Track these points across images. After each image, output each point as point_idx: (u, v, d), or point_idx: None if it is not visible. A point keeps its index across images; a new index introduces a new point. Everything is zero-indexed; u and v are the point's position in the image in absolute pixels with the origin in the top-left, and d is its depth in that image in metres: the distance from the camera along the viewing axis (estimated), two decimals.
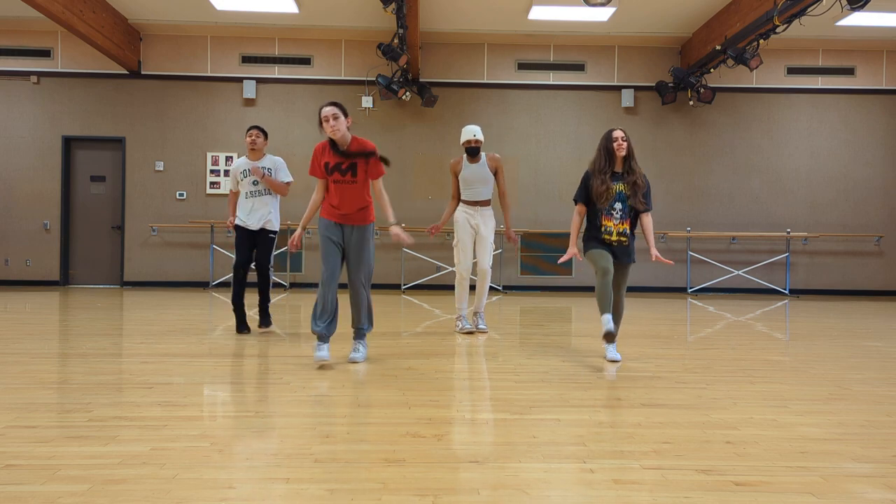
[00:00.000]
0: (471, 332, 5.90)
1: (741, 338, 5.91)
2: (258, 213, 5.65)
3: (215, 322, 6.52)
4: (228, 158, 10.51)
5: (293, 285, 10.50)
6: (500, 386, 3.87)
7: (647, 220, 4.67)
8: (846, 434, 2.94)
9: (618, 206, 4.53)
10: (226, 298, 8.90)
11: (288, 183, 5.78)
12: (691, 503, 2.15)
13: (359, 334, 4.56)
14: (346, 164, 4.26)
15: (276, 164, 5.76)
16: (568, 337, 5.94)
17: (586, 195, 4.62)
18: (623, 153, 4.53)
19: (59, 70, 10.43)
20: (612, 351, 4.56)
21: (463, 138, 5.83)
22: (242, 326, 5.67)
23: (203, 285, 10.40)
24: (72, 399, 3.37)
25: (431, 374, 4.14)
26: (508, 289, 10.62)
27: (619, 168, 4.59)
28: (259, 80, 10.59)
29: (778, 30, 8.06)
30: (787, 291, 10.60)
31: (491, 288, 10.34)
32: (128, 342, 5.25)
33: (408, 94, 10.11)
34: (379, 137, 10.66)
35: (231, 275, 5.70)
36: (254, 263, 5.71)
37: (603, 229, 4.56)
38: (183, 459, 2.48)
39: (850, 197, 10.90)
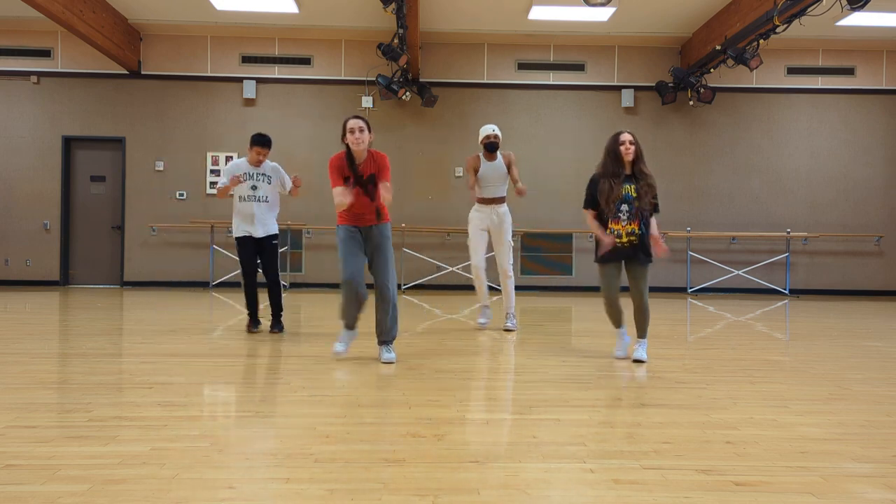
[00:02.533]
0: (482, 329, 6.12)
1: (741, 338, 5.91)
2: (261, 221, 5.61)
3: (215, 322, 6.52)
4: (228, 158, 10.50)
5: (293, 285, 10.50)
6: (500, 386, 3.87)
7: (652, 221, 4.58)
8: (846, 434, 2.94)
9: (624, 207, 4.44)
10: (226, 298, 8.90)
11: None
12: (691, 503, 2.15)
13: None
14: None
15: (277, 171, 5.75)
16: (568, 337, 5.94)
17: (594, 200, 4.54)
18: (630, 157, 4.45)
19: (59, 70, 10.43)
20: (639, 350, 4.62)
21: (482, 135, 5.90)
22: (256, 323, 5.73)
23: (203, 285, 10.39)
24: (72, 399, 3.37)
25: (431, 374, 4.14)
26: None
27: (627, 171, 4.51)
28: (259, 80, 10.58)
29: (778, 30, 8.05)
30: (787, 291, 10.59)
31: (491, 288, 10.33)
32: (128, 342, 5.25)
33: (408, 94, 10.11)
34: (379, 137, 10.59)
35: (241, 278, 5.74)
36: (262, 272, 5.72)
37: (610, 232, 4.48)
38: (183, 459, 2.48)
39: (850, 197, 10.90)
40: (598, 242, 4.58)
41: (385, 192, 4.30)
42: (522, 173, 10.84)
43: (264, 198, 5.62)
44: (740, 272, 10.63)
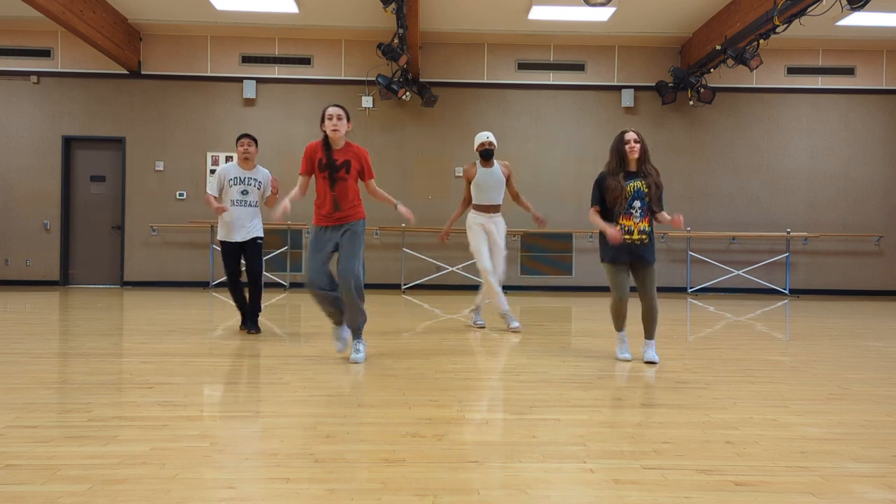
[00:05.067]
0: (482, 328, 6.15)
1: (741, 338, 5.91)
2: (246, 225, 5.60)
3: (215, 322, 6.52)
4: (228, 158, 10.49)
5: (293, 285, 10.50)
6: (500, 386, 3.87)
7: (660, 214, 4.58)
8: (846, 434, 2.94)
9: (637, 203, 4.42)
10: (226, 298, 8.90)
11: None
12: (691, 503, 2.15)
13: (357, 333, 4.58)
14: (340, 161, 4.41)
15: (266, 178, 5.74)
16: (568, 337, 5.94)
17: (600, 197, 4.54)
18: (636, 156, 4.43)
19: (59, 70, 10.43)
20: (649, 352, 4.57)
21: (476, 142, 5.91)
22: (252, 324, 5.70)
23: (203, 285, 10.39)
24: (72, 399, 3.37)
25: (431, 374, 4.14)
26: (508, 289, 10.60)
27: (633, 169, 4.49)
28: (259, 80, 10.58)
29: (778, 30, 8.06)
30: (787, 291, 10.59)
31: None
32: (128, 342, 5.25)
33: (408, 94, 10.11)
34: (379, 137, 10.67)
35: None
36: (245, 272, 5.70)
37: (622, 229, 4.44)
38: (183, 459, 2.48)
39: (849, 196, 10.90)
40: (602, 239, 4.54)
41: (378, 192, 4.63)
42: (523, 174, 10.96)
43: (253, 202, 5.69)
44: (740, 272, 10.63)
